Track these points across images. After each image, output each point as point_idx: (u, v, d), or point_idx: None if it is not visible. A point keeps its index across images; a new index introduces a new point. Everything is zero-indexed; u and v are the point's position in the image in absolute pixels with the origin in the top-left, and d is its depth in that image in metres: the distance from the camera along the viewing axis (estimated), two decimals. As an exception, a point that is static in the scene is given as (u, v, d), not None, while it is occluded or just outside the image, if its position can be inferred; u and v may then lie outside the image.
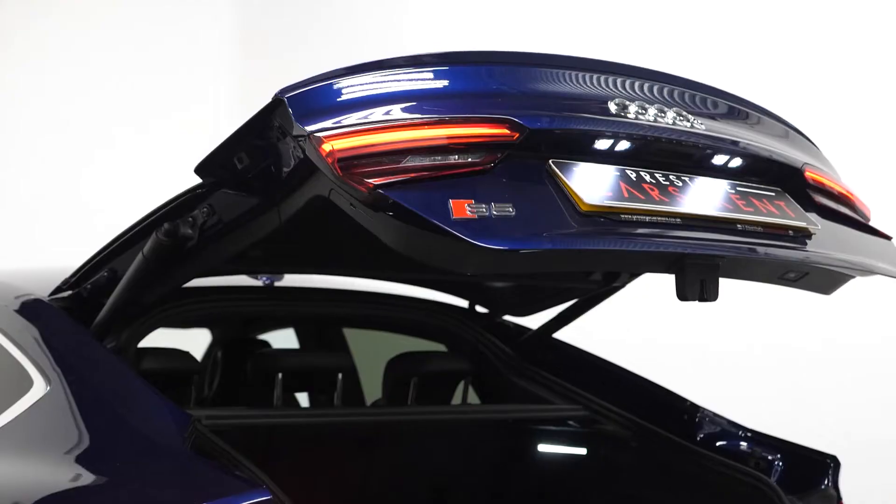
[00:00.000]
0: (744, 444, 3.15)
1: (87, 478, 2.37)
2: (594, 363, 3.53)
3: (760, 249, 2.31)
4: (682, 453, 3.14)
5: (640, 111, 2.27)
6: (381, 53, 2.29)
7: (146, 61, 6.97)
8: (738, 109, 2.58)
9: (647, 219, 2.17)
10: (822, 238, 2.43)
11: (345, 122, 2.05)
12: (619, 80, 2.36)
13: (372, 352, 4.00)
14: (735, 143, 2.42)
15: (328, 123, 2.04)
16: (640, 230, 2.16)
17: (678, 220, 2.21)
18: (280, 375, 3.23)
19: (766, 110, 2.66)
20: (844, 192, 2.64)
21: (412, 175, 2.01)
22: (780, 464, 3.06)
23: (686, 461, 3.13)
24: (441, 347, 3.72)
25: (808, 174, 2.53)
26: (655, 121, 2.28)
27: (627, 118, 2.25)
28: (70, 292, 2.77)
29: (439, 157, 2.06)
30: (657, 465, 3.26)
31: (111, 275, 2.68)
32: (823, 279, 2.60)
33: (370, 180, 1.98)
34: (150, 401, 2.45)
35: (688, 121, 2.33)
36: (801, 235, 2.40)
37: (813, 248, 2.40)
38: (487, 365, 3.58)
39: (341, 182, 2.00)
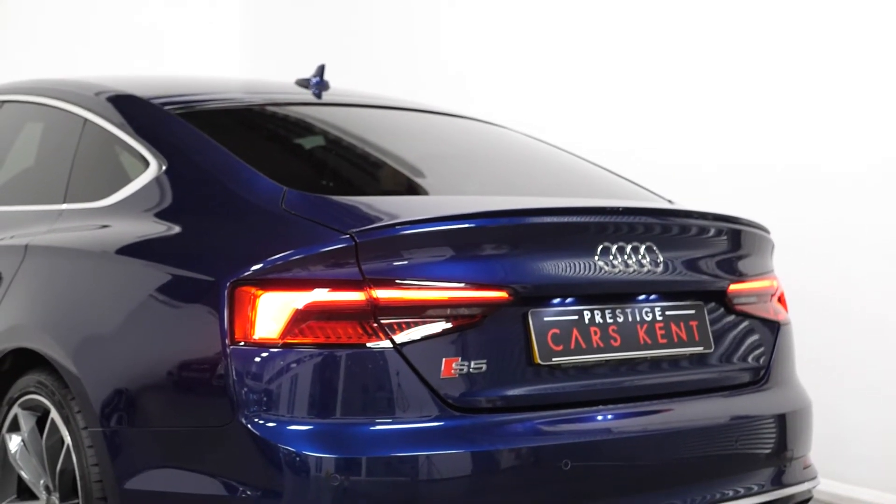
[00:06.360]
0: None
1: (205, 229, 2.95)
2: None
3: (655, 382, 3.03)
4: None
5: (612, 258, 2.93)
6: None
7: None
8: (698, 227, 3.19)
9: (580, 368, 2.88)
10: (709, 358, 3.15)
11: (390, 276, 2.69)
12: (602, 223, 2.98)
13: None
14: (679, 276, 3.08)
15: (382, 271, 2.68)
16: (570, 382, 2.87)
17: (603, 368, 2.93)
18: None
19: (729, 217, 3.26)
20: (756, 288, 3.31)
21: (426, 332, 2.69)
22: None
23: None
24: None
25: (729, 290, 3.21)
26: (624, 265, 2.94)
27: (600, 267, 2.91)
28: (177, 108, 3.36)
29: (450, 311, 2.72)
30: None
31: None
32: None
33: (394, 333, 2.66)
34: (250, 175, 2.98)
35: (649, 258, 3.00)
36: (695, 359, 3.12)
37: (689, 375, 3.11)
38: None
39: (378, 323, 2.66)
